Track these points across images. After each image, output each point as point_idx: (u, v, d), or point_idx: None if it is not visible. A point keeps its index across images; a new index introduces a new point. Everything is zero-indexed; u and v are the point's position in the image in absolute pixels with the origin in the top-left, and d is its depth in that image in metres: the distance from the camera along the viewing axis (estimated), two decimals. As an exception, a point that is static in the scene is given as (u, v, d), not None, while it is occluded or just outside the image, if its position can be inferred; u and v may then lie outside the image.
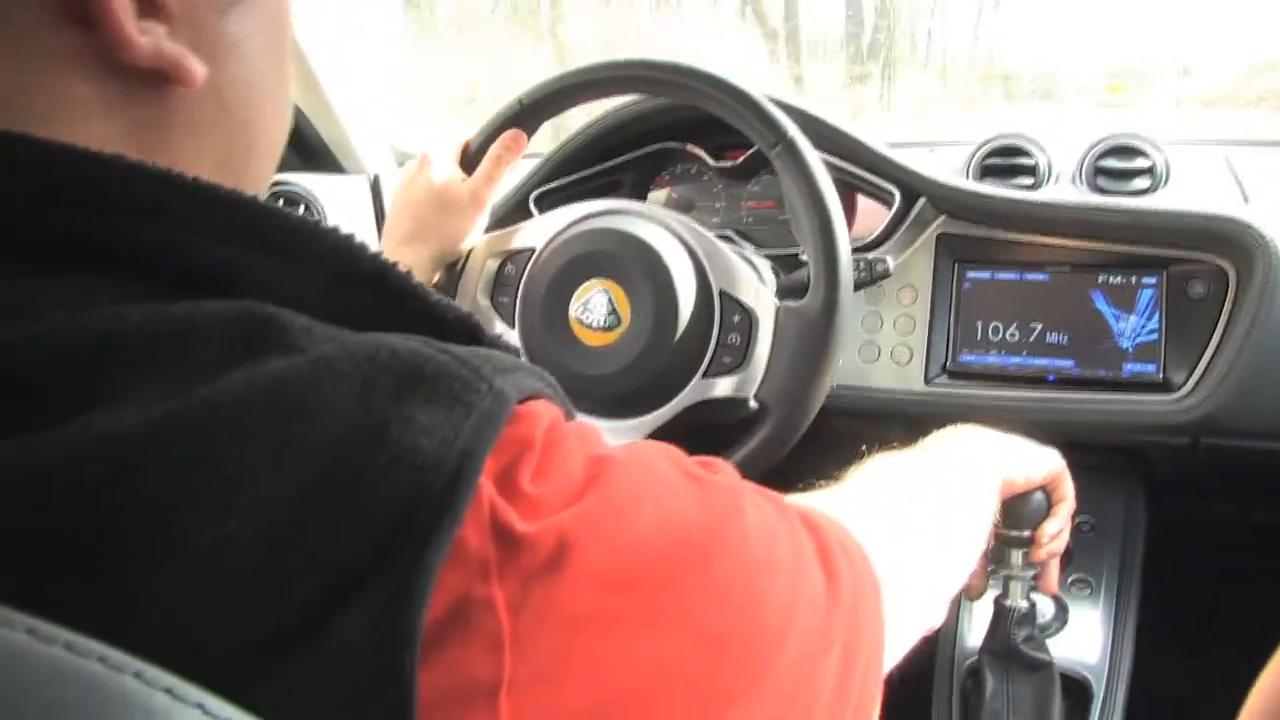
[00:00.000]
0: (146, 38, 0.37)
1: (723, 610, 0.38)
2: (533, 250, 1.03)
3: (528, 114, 1.04)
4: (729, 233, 1.18)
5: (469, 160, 1.05)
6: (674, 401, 0.97)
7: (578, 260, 0.98)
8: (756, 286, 0.97)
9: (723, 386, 0.96)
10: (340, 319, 0.37)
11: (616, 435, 0.98)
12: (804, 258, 0.95)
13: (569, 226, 1.02)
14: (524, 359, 0.39)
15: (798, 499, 0.60)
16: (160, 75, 0.38)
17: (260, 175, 0.46)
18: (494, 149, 1.03)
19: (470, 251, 1.06)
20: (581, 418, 0.96)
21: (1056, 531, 0.87)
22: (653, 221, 1.00)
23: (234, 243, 0.37)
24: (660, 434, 0.97)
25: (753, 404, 0.96)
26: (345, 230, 0.39)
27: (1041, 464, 0.84)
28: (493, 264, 1.05)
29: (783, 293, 0.98)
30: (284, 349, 0.33)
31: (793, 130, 0.94)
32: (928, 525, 0.68)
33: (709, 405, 0.97)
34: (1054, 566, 0.91)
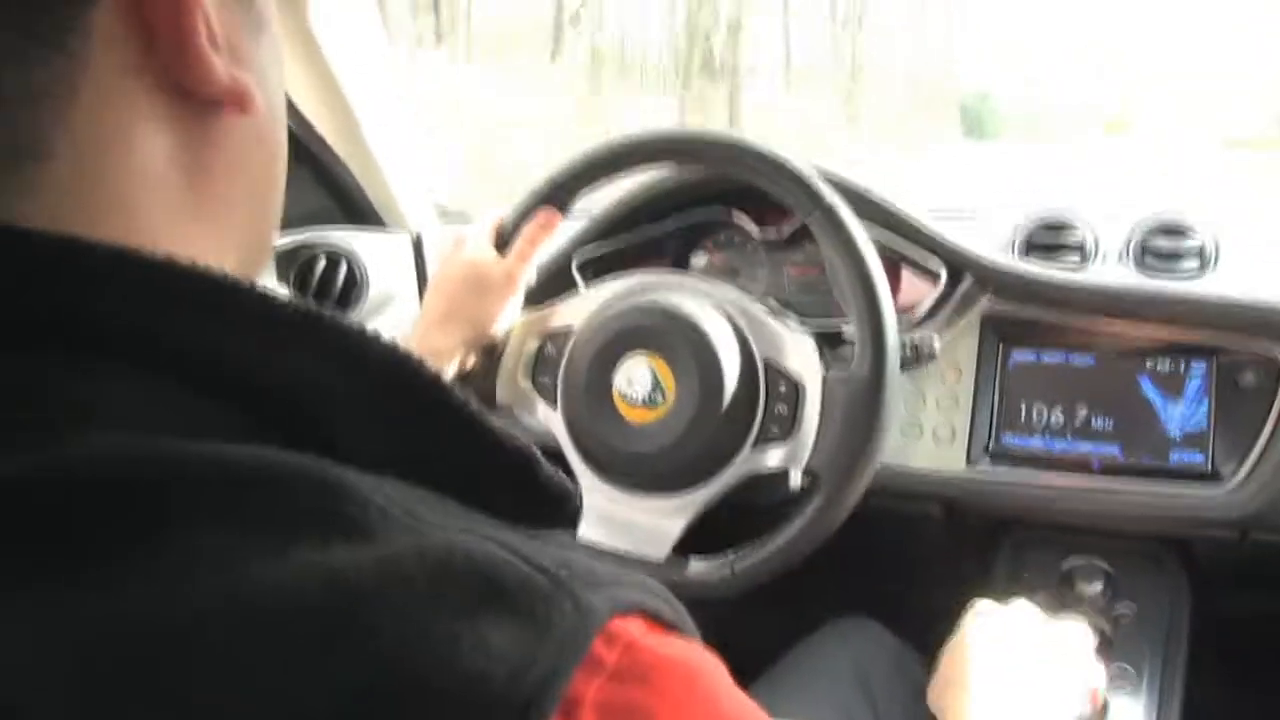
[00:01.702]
0: (221, 65, 0.36)
1: None
2: (571, 329, 1.03)
3: (560, 191, 1.04)
4: (772, 302, 1.17)
5: (503, 239, 1.04)
6: (724, 475, 0.96)
7: (619, 336, 0.98)
8: (802, 355, 0.96)
9: (772, 458, 0.95)
10: (388, 438, 0.35)
11: (666, 514, 0.97)
12: (848, 335, 0.94)
13: (608, 303, 1.01)
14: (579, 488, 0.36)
15: None
16: (217, 103, 0.37)
17: (278, 209, 0.45)
18: (527, 229, 1.02)
19: (509, 333, 1.05)
20: (630, 495, 0.97)
21: None
22: (693, 293, 0.99)
23: (282, 346, 0.35)
24: (711, 510, 0.96)
25: (796, 481, 0.95)
26: (399, 344, 0.37)
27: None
28: (532, 344, 1.05)
29: (829, 364, 0.98)
30: (352, 535, 0.30)
31: (830, 195, 0.94)
32: None
33: (757, 481, 0.96)
34: None
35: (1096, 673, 0.85)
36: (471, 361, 1.04)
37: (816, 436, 0.93)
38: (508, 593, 0.30)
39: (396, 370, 0.36)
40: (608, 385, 0.98)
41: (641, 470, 0.97)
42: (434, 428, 0.37)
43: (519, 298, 1.05)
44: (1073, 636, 0.84)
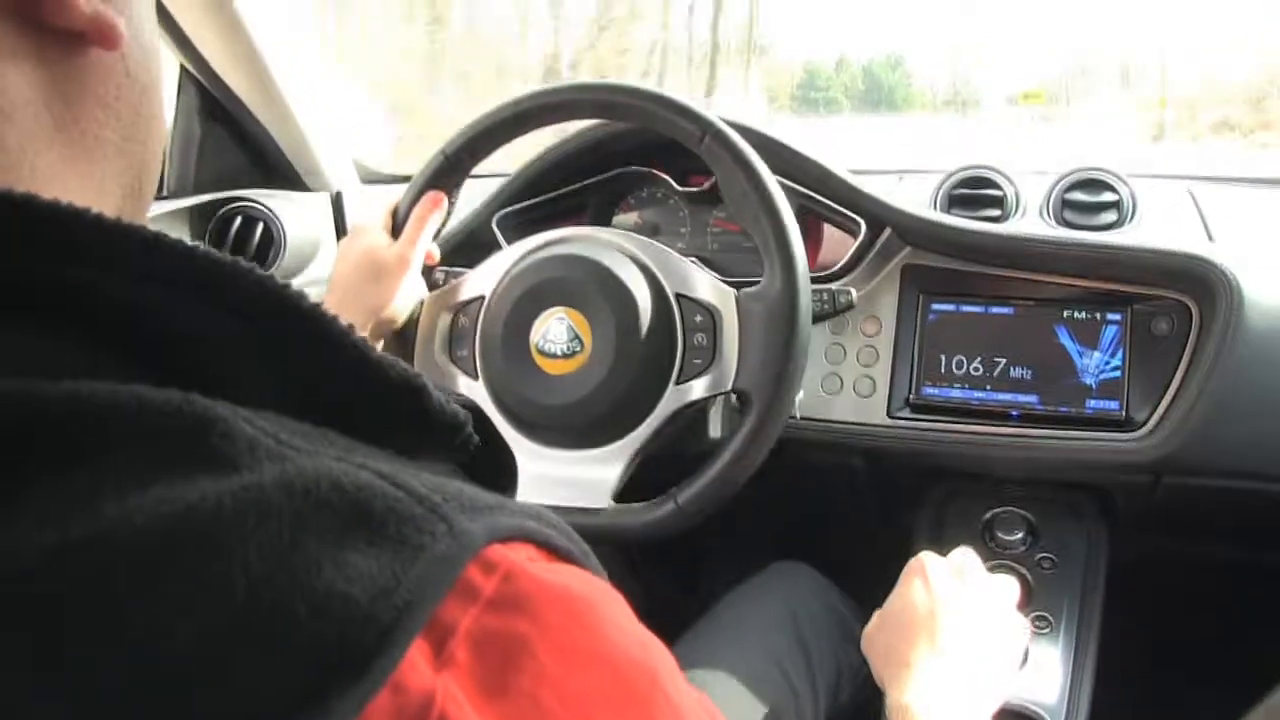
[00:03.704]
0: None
1: None
2: (482, 298, 1.02)
3: (452, 164, 1.04)
4: (694, 259, 1.17)
5: (398, 224, 1.05)
6: (652, 415, 0.95)
7: (529, 293, 0.97)
8: (712, 283, 0.96)
9: (698, 388, 0.95)
10: (267, 370, 0.34)
11: (602, 462, 0.96)
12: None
13: (513, 266, 1.01)
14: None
15: None
16: (82, 38, 0.36)
17: (157, 145, 0.43)
18: (416, 210, 1.03)
19: (418, 313, 1.05)
20: (563, 451, 0.95)
21: None
22: (595, 242, 0.99)
23: (152, 281, 0.34)
24: (645, 453, 0.96)
25: (716, 431, 0.94)
26: (273, 276, 0.36)
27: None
28: (445, 319, 1.04)
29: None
30: (218, 467, 0.29)
31: (717, 120, 0.94)
32: None
33: (688, 425, 0.97)
34: None
35: (1023, 625, 0.86)
36: (380, 347, 1.03)
37: (739, 357, 0.93)
38: (375, 518, 0.29)
39: (273, 301, 0.35)
40: (525, 343, 0.97)
41: (570, 422, 0.96)
42: (314, 358, 0.36)
43: (414, 277, 1.04)
44: (1006, 591, 0.85)
